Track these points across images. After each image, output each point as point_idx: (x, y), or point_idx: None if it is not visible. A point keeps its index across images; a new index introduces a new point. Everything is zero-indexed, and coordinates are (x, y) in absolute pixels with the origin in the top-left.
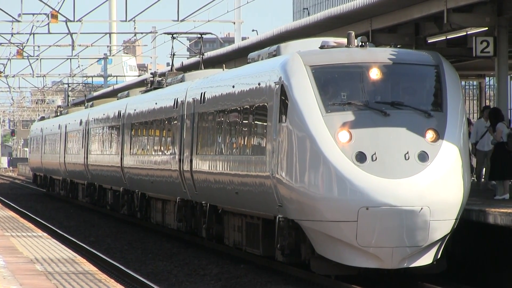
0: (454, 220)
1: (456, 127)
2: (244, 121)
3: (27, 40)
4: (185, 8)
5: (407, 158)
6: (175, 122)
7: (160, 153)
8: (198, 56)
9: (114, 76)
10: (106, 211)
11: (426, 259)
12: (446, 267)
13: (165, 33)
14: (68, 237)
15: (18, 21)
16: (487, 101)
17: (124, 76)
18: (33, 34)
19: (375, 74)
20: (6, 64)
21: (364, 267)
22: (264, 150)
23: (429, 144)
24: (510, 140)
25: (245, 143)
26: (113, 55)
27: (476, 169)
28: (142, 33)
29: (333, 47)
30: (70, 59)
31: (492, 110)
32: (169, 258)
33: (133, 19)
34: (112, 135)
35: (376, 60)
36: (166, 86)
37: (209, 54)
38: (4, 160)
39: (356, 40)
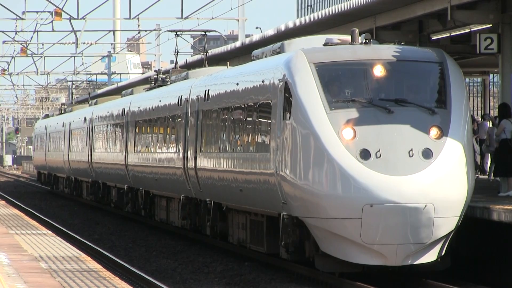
0: (458, 217)
1: (460, 124)
2: (248, 119)
3: (31, 38)
4: (189, 5)
5: (411, 155)
6: (179, 119)
7: (164, 150)
8: (202, 53)
9: (118, 73)
10: (110, 209)
11: (430, 256)
12: (450, 264)
13: (169, 31)
14: (72, 235)
15: (22, 19)
16: (491, 98)
17: (128, 73)
18: (37, 32)
19: (379, 71)
20: (10, 62)
21: (368, 264)
22: (268, 147)
23: (433, 141)
24: None
25: (249, 141)
26: (117, 53)
27: None
28: (146, 30)
29: (337, 44)
30: (74, 56)
31: (500, 105)
32: (173, 255)
33: (137, 16)
34: (116, 132)
35: (380, 57)
36: (170, 83)
37: (213, 51)
38: (8, 158)
39: (360, 37)
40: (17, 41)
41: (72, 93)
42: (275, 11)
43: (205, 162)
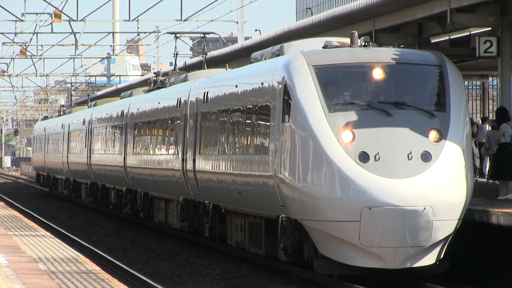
0: (457, 220)
1: (459, 127)
2: (247, 121)
3: (31, 39)
4: (188, 7)
5: (410, 158)
6: (178, 121)
7: (163, 152)
8: (201, 55)
9: (117, 75)
10: (109, 210)
11: (429, 259)
12: (449, 267)
13: (168, 33)
14: (71, 237)
15: (22, 21)
16: (490, 101)
17: (127, 75)
18: (37, 33)
19: (378, 74)
20: (10, 64)
21: (366, 267)
22: (267, 149)
23: (432, 144)
24: None
25: (248, 143)
26: (116, 55)
27: None
28: (145, 32)
29: (336, 47)
30: (73, 58)
31: (498, 109)
32: (171, 257)
33: (136, 18)
34: (115, 134)
35: (379, 60)
36: (169, 85)
37: (212, 53)
38: (7, 160)
39: (359, 40)
40: (17, 43)
41: (71, 95)
42: (274, 14)
43: (204, 164)
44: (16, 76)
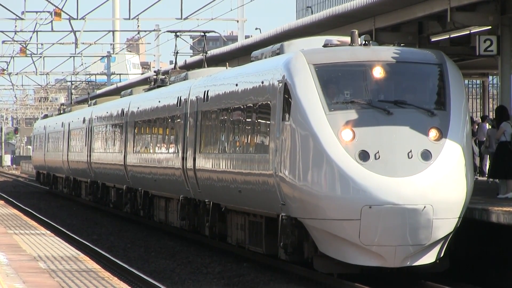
0: (457, 219)
1: (459, 125)
2: (247, 120)
3: (31, 38)
4: (188, 6)
5: (410, 156)
6: (178, 120)
7: (163, 151)
8: (201, 54)
9: (117, 74)
10: (109, 209)
11: (429, 258)
12: (449, 265)
13: (168, 31)
14: (71, 235)
15: (22, 19)
16: (490, 100)
17: (128, 74)
18: (37, 32)
19: (378, 72)
20: (10, 62)
21: (366, 266)
22: (267, 148)
23: (432, 143)
24: None
25: (248, 142)
26: (116, 53)
27: None
28: (145, 31)
29: (337, 45)
30: (74, 57)
31: (498, 108)
32: (172, 256)
33: (137, 17)
34: (115, 133)
35: (379, 58)
36: (169, 84)
37: (212, 52)
38: (7, 158)
39: (359, 39)
40: (17, 41)
41: (71, 93)
42: (274, 12)
43: (204, 163)
44: (16, 74)
